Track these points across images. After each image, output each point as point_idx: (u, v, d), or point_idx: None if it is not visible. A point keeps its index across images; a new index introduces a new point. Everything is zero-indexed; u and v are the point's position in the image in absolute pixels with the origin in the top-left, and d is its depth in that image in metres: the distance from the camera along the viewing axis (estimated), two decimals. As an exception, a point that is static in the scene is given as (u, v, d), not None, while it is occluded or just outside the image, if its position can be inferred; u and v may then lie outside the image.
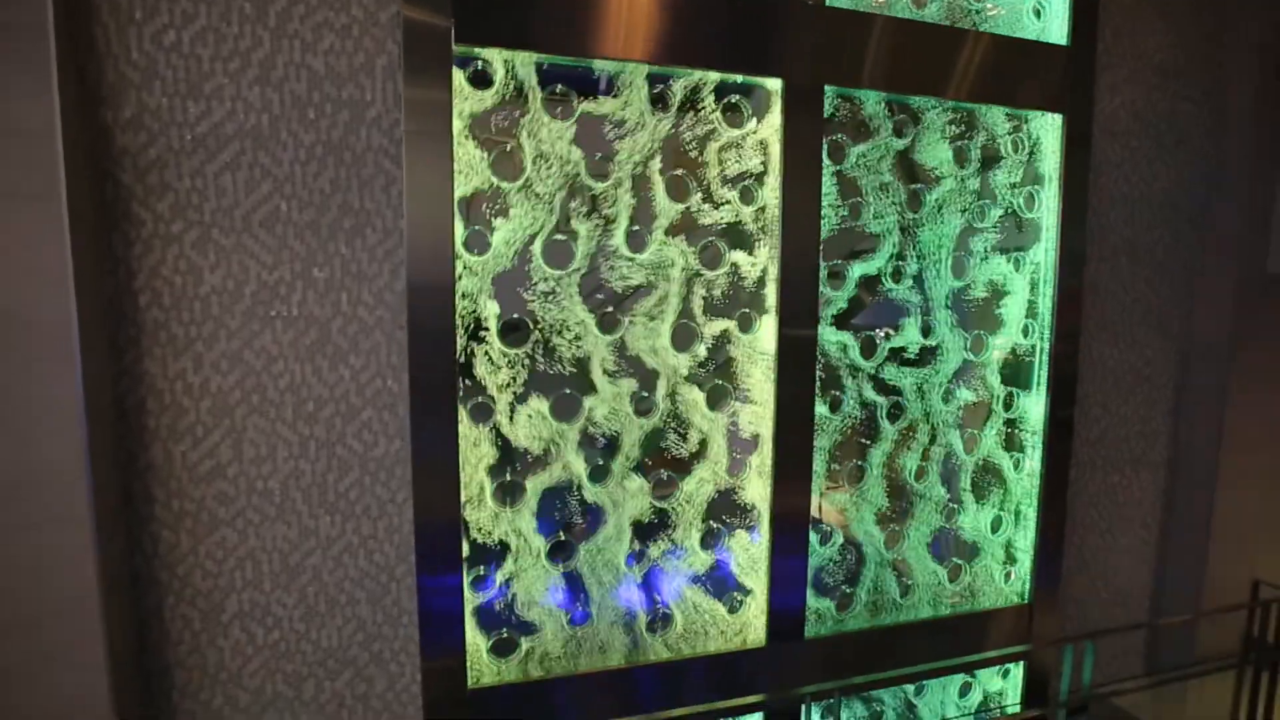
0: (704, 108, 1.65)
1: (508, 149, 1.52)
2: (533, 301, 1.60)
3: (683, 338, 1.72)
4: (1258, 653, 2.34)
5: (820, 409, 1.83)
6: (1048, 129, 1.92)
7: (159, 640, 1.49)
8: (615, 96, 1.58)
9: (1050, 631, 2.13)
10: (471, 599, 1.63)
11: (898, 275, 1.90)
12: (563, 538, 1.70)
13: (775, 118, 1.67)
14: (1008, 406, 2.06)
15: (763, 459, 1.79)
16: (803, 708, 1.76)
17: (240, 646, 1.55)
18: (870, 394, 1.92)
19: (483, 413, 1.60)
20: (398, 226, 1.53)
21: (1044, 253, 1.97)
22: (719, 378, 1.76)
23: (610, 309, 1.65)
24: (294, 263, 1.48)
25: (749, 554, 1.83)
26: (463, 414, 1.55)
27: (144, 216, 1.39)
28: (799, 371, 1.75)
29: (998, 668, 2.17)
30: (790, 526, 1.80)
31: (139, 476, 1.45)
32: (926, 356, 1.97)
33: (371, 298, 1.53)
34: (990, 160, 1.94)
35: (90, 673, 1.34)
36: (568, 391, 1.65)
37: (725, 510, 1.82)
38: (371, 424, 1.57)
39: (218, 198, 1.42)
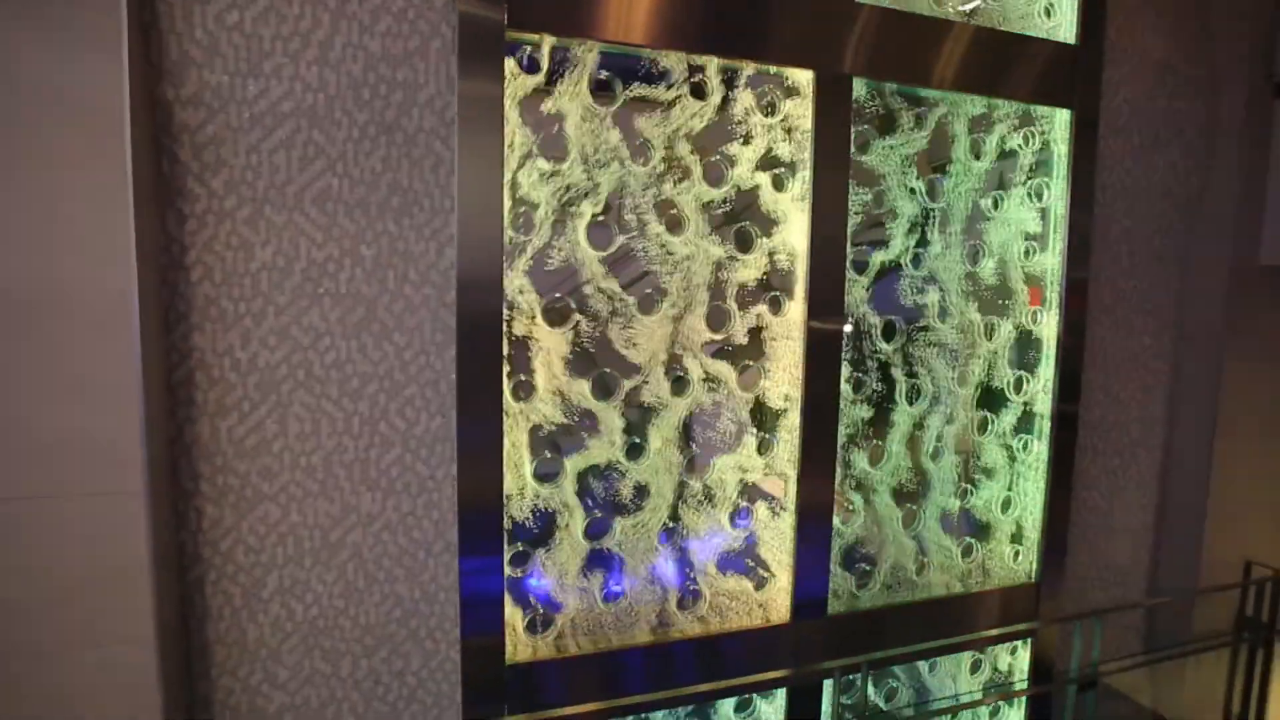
0: (739, 97, 1.72)
1: (554, 132, 1.57)
2: (575, 281, 1.64)
3: (716, 319, 1.77)
4: (1251, 630, 2.45)
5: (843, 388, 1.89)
6: (1057, 123, 2.02)
7: (200, 616, 1.50)
8: (657, 85, 1.64)
9: (1056, 610, 2.20)
10: (509, 575, 1.65)
11: (916, 261, 1.98)
12: (599, 515, 1.73)
13: (807, 108, 1.73)
14: (1018, 389, 2.15)
15: (790, 439, 1.84)
16: (830, 681, 1.81)
17: (280, 623, 1.55)
18: (892, 375, 1.99)
19: (525, 390, 1.63)
20: (444, 206, 1.56)
21: (1052, 241, 2.07)
22: (749, 359, 1.82)
23: (649, 291, 1.70)
24: (343, 240, 1.50)
25: (776, 532, 1.88)
26: (505, 392, 1.58)
27: (199, 192, 1.41)
28: (825, 355, 1.81)
29: (1007, 645, 2.24)
30: (814, 506, 1.85)
31: (185, 451, 1.45)
32: (943, 340, 2.05)
33: (417, 276, 1.56)
34: (1005, 153, 2.03)
35: (138, 646, 1.34)
36: (606, 370, 1.69)
37: (753, 490, 1.87)
38: (414, 400, 1.59)
39: (271, 175, 1.44)
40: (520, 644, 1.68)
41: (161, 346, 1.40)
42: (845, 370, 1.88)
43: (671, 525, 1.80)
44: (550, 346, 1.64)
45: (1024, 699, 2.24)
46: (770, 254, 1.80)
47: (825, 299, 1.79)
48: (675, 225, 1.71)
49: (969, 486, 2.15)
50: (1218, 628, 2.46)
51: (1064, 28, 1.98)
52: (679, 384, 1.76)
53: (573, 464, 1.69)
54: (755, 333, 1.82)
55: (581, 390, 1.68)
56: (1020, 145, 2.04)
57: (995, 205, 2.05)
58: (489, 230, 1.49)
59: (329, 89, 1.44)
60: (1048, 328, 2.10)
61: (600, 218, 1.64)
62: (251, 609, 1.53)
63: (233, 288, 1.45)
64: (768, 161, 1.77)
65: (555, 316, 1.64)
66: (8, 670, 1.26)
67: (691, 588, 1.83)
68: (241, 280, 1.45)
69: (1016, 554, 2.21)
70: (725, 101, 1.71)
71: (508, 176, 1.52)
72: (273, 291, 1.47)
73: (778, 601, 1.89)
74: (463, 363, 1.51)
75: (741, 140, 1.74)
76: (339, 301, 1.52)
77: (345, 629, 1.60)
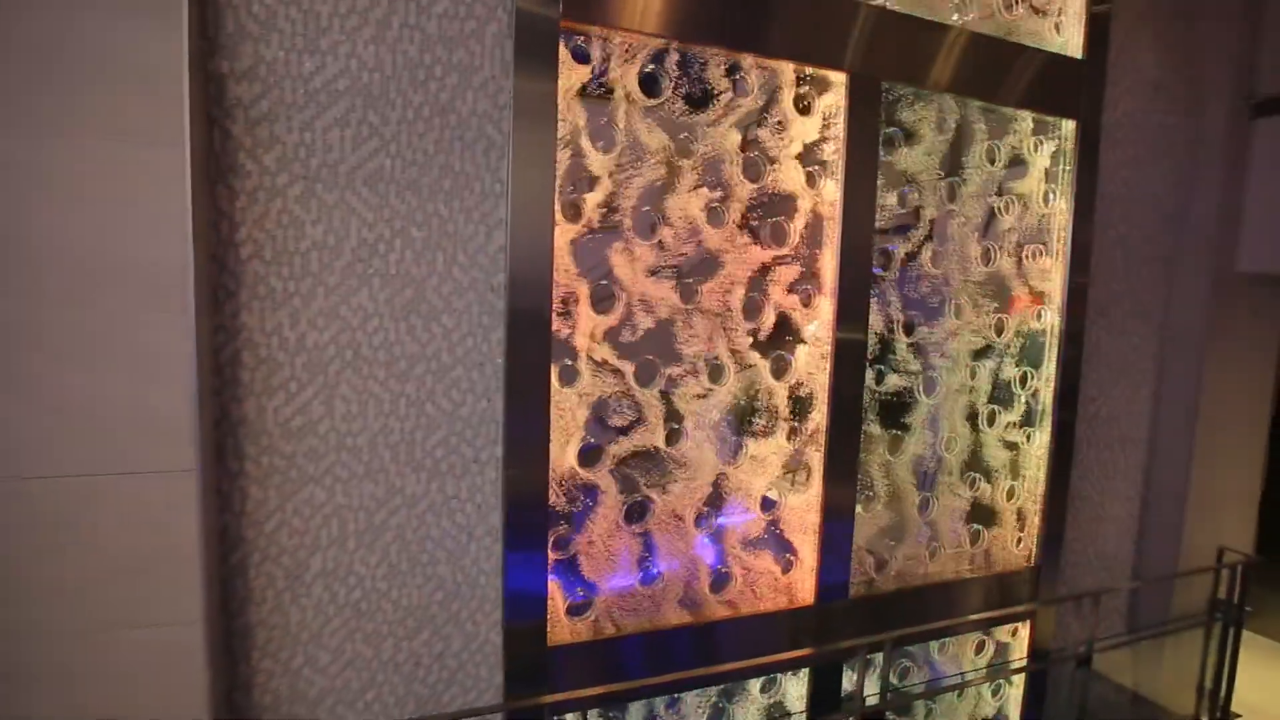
0: (777, 96, 1.77)
1: (603, 122, 1.60)
2: (619, 270, 1.67)
3: (750, 309, 1.82)
4: (1224, 611, 2.62)
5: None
6: (1063, 133, 2.13)
7: (241, 599, 1.47)
8: (699, 82, 1.68)
9: (1053, 593, 2.33)
10: (551, 558, 1.67)
11: (935, 259, 2.07)
12: (638, 499, 1.76)
13: (840, 109, 1.80)
14: (1023, 384, 2.26)
15: (818, 427, 1.91)
16: (859, 659, 1.87)
17: (322, 605, 1.54)
18: (910, 368, 2.08)
19: (569, 375, 1.65)
20: (494, 190, 1.57)
21: (1056, 244, 2.18)
22: (781, 350, 1.88)
23: (689, 280, 1.73)
24: (394, 221, 1.50)
25: (802, 518, 1.94)
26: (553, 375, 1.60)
27: (250, 168, 1.39)
28: (852, 345, 1.88)
29: (1009, 626, 2.35)
30: (839, 492, 1.92)
31: (231, 431, 1.43)
32: (955, 336, 2.14)
33: (466, 259, 1.57)
34: (1015, 159, 2.14)
35: (187, 626, 1.32)
36: (649, 357, 1.72)
37: (784, 476, 1.93)
38: (460, 383, 1.60)
39: (324, 153, 1.43)
40: (560, 626, 1.70)
41: (210, 324, 1.38)
42: (876, 362, 1.95)
43: (705, 510, 1.84)
44: (595, 332, 1.66)
45: (1023, 676, 2.35)
46: (801, 249, 1.86)
47: (853, 292, 1.86)
48: (715, 218, 1.76)
49: (978, 476, 2.25)
50: (1193, 610, 2.63)
51: (1071, 43, 2.10)
52: (716, 371, 1.81)
53: (615, 448, 1.72)
54: (787, 325, 1.87)
55: (624, 376, 1.70)
56: (1029, 153, 2.15)
57: (1006, 209, 2.16)
58: (540, 216, 1.51)
59: (385, 69, 1.44)
60: (1050, 327, 2.22)
61: (646, 208, 1.67)
62: (294, 592, 1.51)
63: (282, 266, 1.43)
64: (803, 159, 1.83)
65: (601, 303, 1.66)
66: (60, 648, 1.23)
67: (723, 570, 1.88)
68: (291, 259, 1.44)
69: (1018, 540, 2.32)
70: (764, 100, 1.76)
71: (559, 163, 1.54)
72: (323, 271, 1.46)
73: (803, 584, 1.95)
74: (512, 346, 1.52)
75: (778, 137, 1.79)
76: (388, 282, 1.51)
77: (387, 612, 1.59)
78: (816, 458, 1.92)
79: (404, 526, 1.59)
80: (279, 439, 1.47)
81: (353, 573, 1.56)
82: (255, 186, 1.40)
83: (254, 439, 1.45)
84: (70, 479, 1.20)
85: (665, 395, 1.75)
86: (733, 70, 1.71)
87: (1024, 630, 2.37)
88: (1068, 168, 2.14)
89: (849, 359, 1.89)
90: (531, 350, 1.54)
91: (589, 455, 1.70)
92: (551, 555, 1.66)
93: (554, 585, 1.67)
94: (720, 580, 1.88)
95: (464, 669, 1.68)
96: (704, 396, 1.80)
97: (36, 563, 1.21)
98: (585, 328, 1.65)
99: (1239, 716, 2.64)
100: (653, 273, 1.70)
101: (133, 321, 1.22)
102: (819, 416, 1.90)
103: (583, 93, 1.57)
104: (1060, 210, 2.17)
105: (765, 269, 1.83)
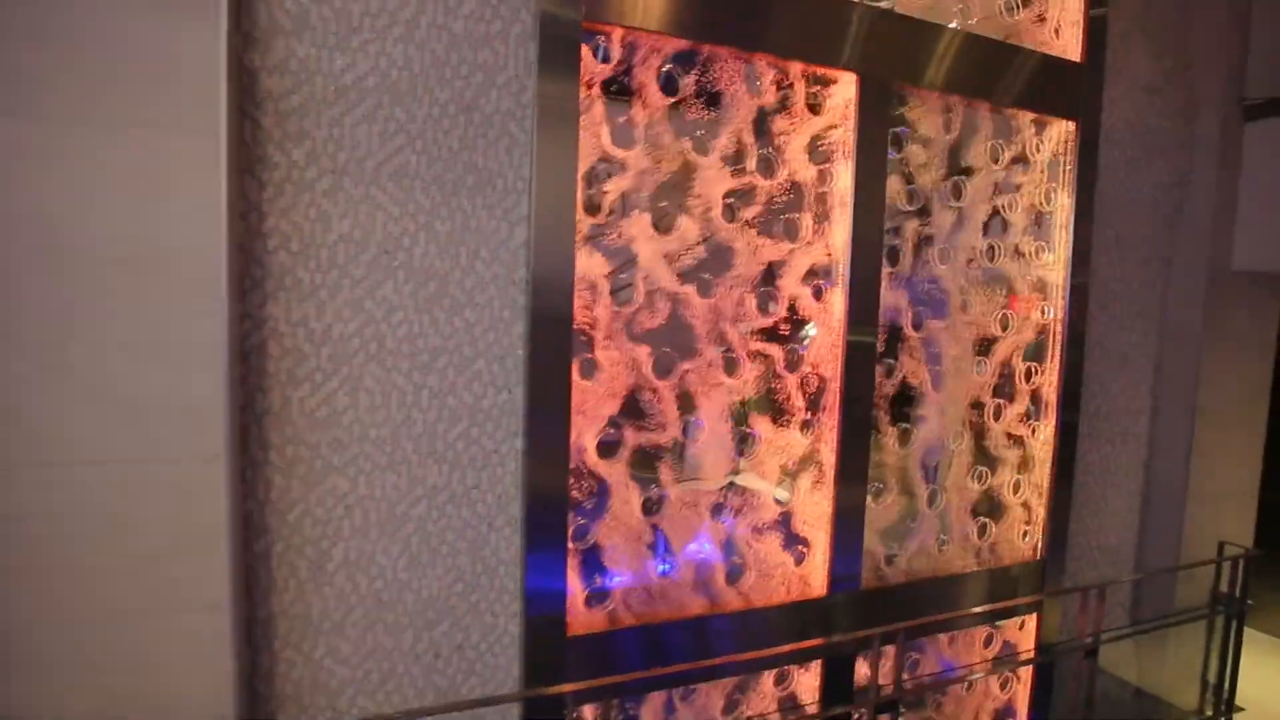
0: (791, 98, 1.82)
1: (623, 120, 1.64)
2: (640, 263, 1.70)
3: (763, 301, 1.86)
4: (1225, 604, 2.66)
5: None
6: (1064, 135, 2.19)
7: (264, 588, 1.48)
8: (714, 81, 1.73)
9: (1059, 585, 2.36)
10: (571, 548, 1.69)
11: (942, 256, 2.12)
12: (655, 490, 1.79)
13: (850, 108, 1.85)
14: (1028, 379, 2.31)
15: (829, 420, 1.94)
16: (874, 647, 1.89)
17: (344, 596, 1.55)
18: (917, 362, 2.12)
19: (588, 369, 1.68)
20: (516, 186, 1.60)
21: (1058, 243, 2.24)
22: (793, 343, 1.91)
23: (705, 276, 1.77)
24: (418, 215, 1.53)
25: (815, 510, 1.97)
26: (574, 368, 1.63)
27: (279, 160, 1.42)
28: (862, 340, 1.92)
29: (1017, 620, 2.38)
30: (850, 485, 1.95)
31: (256, 420, 1.45)
32: (961, 330, 2.19)
33: (488, 253, 1.60)
34: (1017, 159, 2.20)
35: (215, 613, 1.33)
36: (666, 349, 1.75)
37: (796, 469, 1.96)
38: (482, 375, 1.62)
39: (352, 148, 1.46)
40: (579, 617, 1.71)
41: (237, 313, 1.40)
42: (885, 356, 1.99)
43: (721, 502, 1.87)
44: (614, 326, 1.69)
45: (1030, 671, 2.38)
46: (813, 244, 1.90)
47: (863, 288, 1.90)
48: (729, 214, 1.80)
49: (985, 470, 2.29)
50: (1195, 605, 2.67)
51: (1071, 47, 2.16)
52: (730, 364, 1.84)
53: (632, 440, 1.75)
54: (799, 318, 1.91)
55: (642, 368, 1.73)
56: (1031, 153, 2.20)
57: (1010, 207, 2.21)
58: (562, 212, 1.54)
59: (413, 67, 1.48)
60: (1053, 323, 2.27)
61: (663, 204, 1.71)
62: (317, 582, 1.52)
63: (309, 258, 1.46)
64: (815, 156, 1.88)
65: (619, 296, 1.70)
66: (90, 634, 1.23)
67: (737, 562, 1.90)
68: (318, 251, 1.46)
69: (1024, 534, 2.36)
70: (777, 99, 1.81)
71: (581, 161, 1.58)
72: (348, 263, 1.49)
73: (815, 575, 1.97)
74: (535, 339, 1.55)
75: (789, 135, 1.84)
76: (412, 275, 1.54)
77: (408, 603, 1.60)
78: (828, 450, 1.95)
79: (425, 517, 1.60)
80: (304, 429, 1.48)
81: (374, 563, 1.57)
82: (283, 179, 1.42)
83: (279, 428, 1.46)
84: (107, 464, 1.22)
85: (682, 387, 1.78)
86: (746, 70, 1.76)
87: (1031, 624, 2.40)
88: (1068, 167, 2.20)
89: (859, 353, 1.93)
90: (553, 344, 1.57)
91: (607, 448, 1.73)
92: (571, 546, 1.68)
93: (573, 576, 1.69)
94: (734, 572, 1.90)
95: (483, 659, 1.69)
96: (719, 387, 1.83)
97: (71, 548, 1.22)
98: (605, 321, 1.68)
99: (1243, 710, 2.68)
100: (670, 266, 1.74)
101: (171, 310, 1.24)
102: (831, 409, 1.94)
103: (604, 90, 1.61)
104: (1062, 207, 2.23)
105: (778, 263, 1.87)
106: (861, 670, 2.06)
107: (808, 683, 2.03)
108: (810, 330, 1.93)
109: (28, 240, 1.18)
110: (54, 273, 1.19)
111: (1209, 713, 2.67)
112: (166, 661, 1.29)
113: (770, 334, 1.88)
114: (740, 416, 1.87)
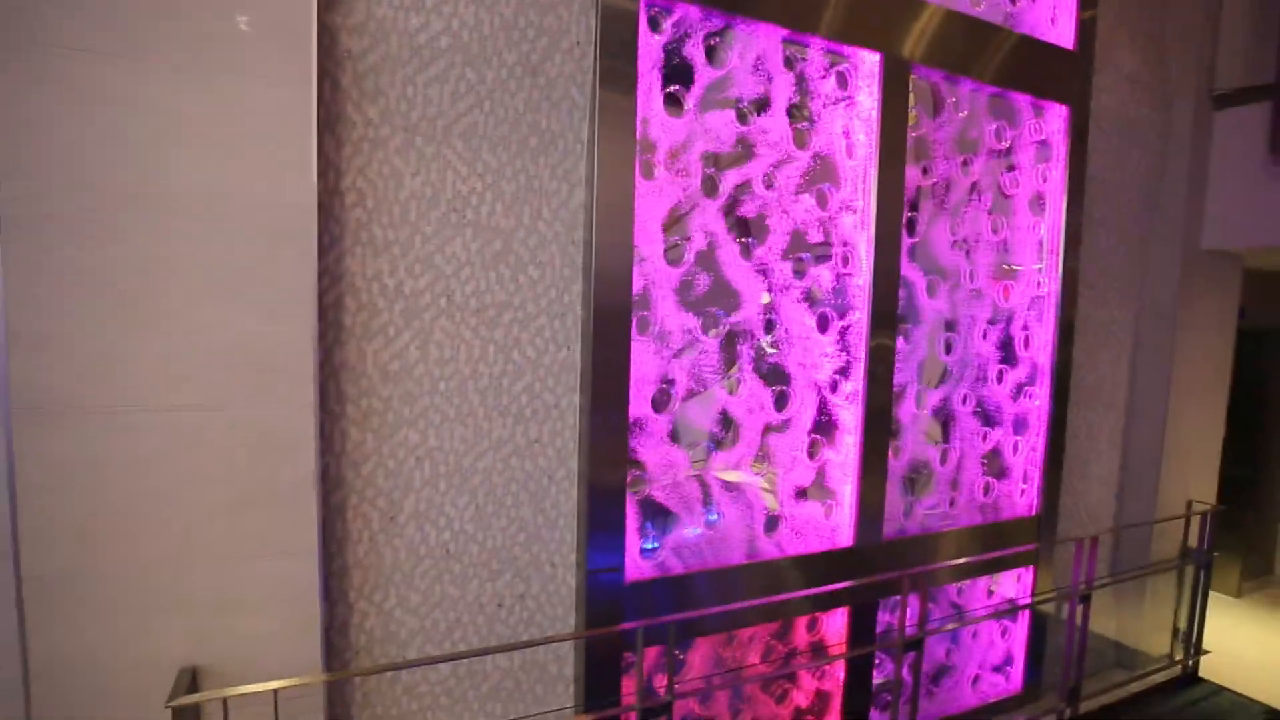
0: (820, 72, 1.93)
1: (676, 88, 1.71)
2: (689, 228, 1.79)
3: (799, 267, 1.96)
4: (1194, 556, 2.91)
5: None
6: (1058, 119, 2.37)
7: (340, 539, 1.51)
8: (759, 55, 1.82)
9: (1052, 538, 2.55)
10: (628, 499, 1.76)
11: (955, 228, 2.27)
12: (703, 444, 1.88)
13: (874, 84, 1.98)
14: (1025, 347, 2.48)
15: (854, 386, 2.06)
16: (904, 589, 2.03)
17: (414, 547, 1.59)
18: (931, 328, 2.26)
19: (643, 325, 1.75)
20: (575, 149, 1.67)
21: (1051, 221, 2.42)
22: (826, 306, 2.03)
23: (748, 240, 1.87)
24: (485, 175, 1.58)
25: (843, 467, 2.09)
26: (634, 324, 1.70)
27: (355, 119, 1.44)
28: (885, 311, 2.05)
29: (1014, 573, 2.56)
30: (873, 443, 2.08)
31: (333, 374, 1.47)
32: (969, 302, 2.34)
33: (550, 213, 1.65)
34: (1017, 141, 2.36)
35: (302, 560, 1.36)
36: (711, 310, 1.84)
37: (826, 429, 2.08)
38: (544, 331, 1.68)
39: (424, 107, 1.50)
40: (635, 565, 1.78)
41: (320, 267, 1.42)
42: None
43: (761, 454, 1.97)
44: (668, 284, 1.77)
45: (1027, 614, 2.57)
46: (841, 214, 2.02)
47: (885, 259, 2.03)
48: (769, 181, 1.90)
49: (988, 431, 2.46)
50: (1169, 555, 2.92)
51: (1065, 35, 2.34)
52: (769, 325, 1.94)
53: (683, 396, 1.83)
54: (831, 286, 2.03)
55: (693, 330, 1.82)
56: (1028, 133, 2.38)
57: (1013, 185, 2.38)
58: (621, 175, 1.61)
59: (483, 28, 1.52)
60: (1046, 296, 2.45)
61: (710, 170, 1.80)
62: (388, 534, 1.55)
63: (383, 215, 1.49)
64: (844, 130, 1.99)
65: (671, 257, 1.78)
66: (181, 576, 1.25)
67: (773, 515, 2.00)
68: (391, 208, 1.50)
69: (1022, 492, 2.54)
70: (808, 72, 1.92)
71: (639, 125, 1.65)
72: (420, 220, 1.53)
73: (843, 528, 2.10)
74: (599, 295, 1.62)
75: (823, 107, 1.95)
76: (479, 233, 1.59)
77: (473, 554, 1.65)
78: (855, 409, 2.07)
79: (490, 469, 1.65)
80: (378, 382, 1.52)
81: (443, 514, 1.61)
82: (360, 137, 1.45)
83: (354, 381, 1.49)
84: (200, 412, 1.23)
85: (728, 346, 1.88)
86: (786, 45, 1.86)
87: (1027, 576, 2.59)
88: (1061, 150, 2.38)
89: (882, 321, 2.05)
90: (614, 299, 1.64)
91: (660, 402, 1.80)
92: (629, 495, 1.75)
93: (630, 528, 1.76)
94: (771, 523, 2.00)
95: (543, 610, 1.75)
96: (766, 346, 1.93)
97: (167, 494, 1.24)
98: (659, 281, 1.76)
99: (1208, 651, 2.94)
100: (718, 229, 1.82)
101: (264, 256, 1.26)
102: (858, 370, 2.06)
103: (663, 58, 1.69)
104: (1054, 187, 2.41)
105: (811, 229, 1.98)
106: (884, 618, 2.20)
107: (834, 628, 2.15)
108: (839, 321, 2.04)
109: (122, 188, 1.19)
110: (149, 221, 1.20)
111: (1179, 656, 2.92)
112: (256, 605, 1.31)
113: (805, 298, 1.99)
114: (778, 374, 1.97)
